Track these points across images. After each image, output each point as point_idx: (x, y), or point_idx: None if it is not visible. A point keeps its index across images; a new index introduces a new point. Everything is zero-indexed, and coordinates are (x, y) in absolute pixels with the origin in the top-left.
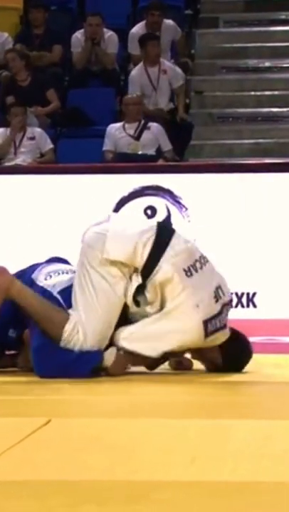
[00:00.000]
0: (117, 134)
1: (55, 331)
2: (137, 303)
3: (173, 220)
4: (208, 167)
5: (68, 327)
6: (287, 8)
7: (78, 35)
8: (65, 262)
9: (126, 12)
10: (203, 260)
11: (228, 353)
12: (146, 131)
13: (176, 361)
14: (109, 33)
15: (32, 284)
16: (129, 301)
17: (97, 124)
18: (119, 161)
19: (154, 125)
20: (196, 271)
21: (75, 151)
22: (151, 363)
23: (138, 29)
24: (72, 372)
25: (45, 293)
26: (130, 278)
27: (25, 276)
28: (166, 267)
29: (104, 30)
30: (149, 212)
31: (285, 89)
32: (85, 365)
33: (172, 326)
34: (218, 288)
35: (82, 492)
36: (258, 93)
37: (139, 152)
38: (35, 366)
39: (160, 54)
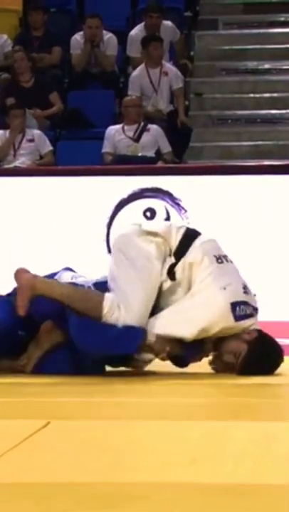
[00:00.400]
0: (117, 136)
1: (94, 310)
2: (172, 276)
3: (172, 222)
4: (208, 169)
5: (106, 304)
6: (287, 10)
7: (78, 37)
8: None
9: (125, 14)
10: (229, 258)
11: (254, 352)
12: (146, 133)
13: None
14: (108, 35)
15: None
16: (164, 277)
17: (97, 126)
18: (118, 163)
19: (153, 127)
20: (226, 261)
21: (75, 153)
22: (185, 355)
23: (137, 31)
24: (116, 348)
25: (76, 285)
26: (164, 259)
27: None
28: (197, 250)
29: (104, 32)
30: (148, 214)
31: (284, 91)
32: (131, 342)
33: (199, 306)
34: (246, 285)
35: (82, 494)
36: (257, 95)
37: (139, 154)
38: (79, 341)
39: (162, 56)
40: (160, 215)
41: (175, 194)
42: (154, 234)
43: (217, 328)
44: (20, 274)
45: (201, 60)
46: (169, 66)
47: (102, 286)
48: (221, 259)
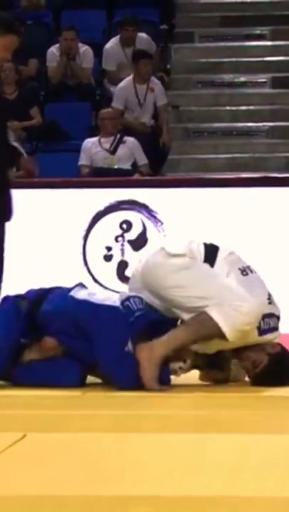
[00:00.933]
0: (93, 148)
1: (214, 331)
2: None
3: (148, 234)
4: (184, 181)
5: (216, 317)
6: (262, 23)
7: (54, 50)
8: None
9: (101, 26)
10: (252, 268)
11: (275, 365)
12: (122, 145)
13: (206, 373)
14: (84, 48)
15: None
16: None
17: (74, 138)
18: (95, 175)
19: (129, 139)
20: (250, 271)
21: (52, 165)
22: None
23: (112, 44)
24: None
25: (115, 310)
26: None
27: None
28: (222, 264)
29: (80, 44)
30: (124, 226)
31: (260, 104)
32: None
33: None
34: (270, 294)
35: (60, 507)
36: (234, 108)
37: (115, 166)
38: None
39: (150, 72)
40: (136, 227)
41: (151, 206)
42: (182, 256)
43: (240, 343)
44: (139, 353)
45: (177, 72)
46: (156, 82)
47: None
48: (245, 270)
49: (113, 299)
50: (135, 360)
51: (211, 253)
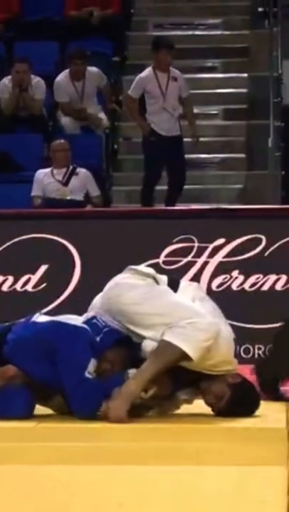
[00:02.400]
0: (45, 179)
1: (175, 355)
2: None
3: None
4: (135, 213)
5: (173, 340)
6: (214, 55)
7: (6, 81)
8: None
9: (54, 58)
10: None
11: (237, 397)
12: (75, 176)
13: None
14: (36, 79)
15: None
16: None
17: (26, 169)
18: (47, 206)
19: (82, 171)
20: (208, 301)
21: (3, 196)
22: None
23: (62, 77)
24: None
25: (76, 329)
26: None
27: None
28: (184, 291)
29: (32, 76)
30: None
31: (212, 136)
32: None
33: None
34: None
35: None
36: (186, 139)
37: (67, 198)
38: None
39: (170, 64)
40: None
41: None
42: (146, 275)
43: (207, 364)
44: (112, 413)
45: None
46: (177, 72)
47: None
48: (205, 298)
49: (77, 319)
50: (95, 384)
51: (174, 281)
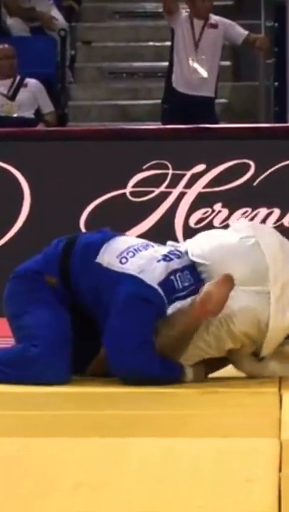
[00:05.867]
0: None
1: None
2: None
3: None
4: (96, 133)
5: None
6: None
7: None
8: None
9: None
10: None
11: None
12: (23, 89)
13: None
14: None
15: (106, 271)
16: None
17: None
18: None
19: (31, 82)
20: None
21: None
22: None
23: None
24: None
25: (140, 286)
26: None
27: (85, 260)
28: None
29: None
30: None
31: None
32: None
33: None
34: None
35: None
36: (158, 44)
37: (15, 115)
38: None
39: (210, 9)
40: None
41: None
42: None
43: None
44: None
45: (89, 1)
46: (220, 19)
47: (168, 287)
48: None
49: (155, 270)
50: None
51: None
